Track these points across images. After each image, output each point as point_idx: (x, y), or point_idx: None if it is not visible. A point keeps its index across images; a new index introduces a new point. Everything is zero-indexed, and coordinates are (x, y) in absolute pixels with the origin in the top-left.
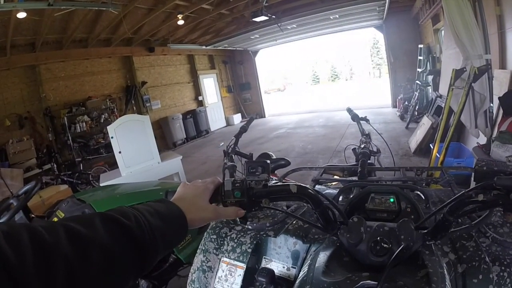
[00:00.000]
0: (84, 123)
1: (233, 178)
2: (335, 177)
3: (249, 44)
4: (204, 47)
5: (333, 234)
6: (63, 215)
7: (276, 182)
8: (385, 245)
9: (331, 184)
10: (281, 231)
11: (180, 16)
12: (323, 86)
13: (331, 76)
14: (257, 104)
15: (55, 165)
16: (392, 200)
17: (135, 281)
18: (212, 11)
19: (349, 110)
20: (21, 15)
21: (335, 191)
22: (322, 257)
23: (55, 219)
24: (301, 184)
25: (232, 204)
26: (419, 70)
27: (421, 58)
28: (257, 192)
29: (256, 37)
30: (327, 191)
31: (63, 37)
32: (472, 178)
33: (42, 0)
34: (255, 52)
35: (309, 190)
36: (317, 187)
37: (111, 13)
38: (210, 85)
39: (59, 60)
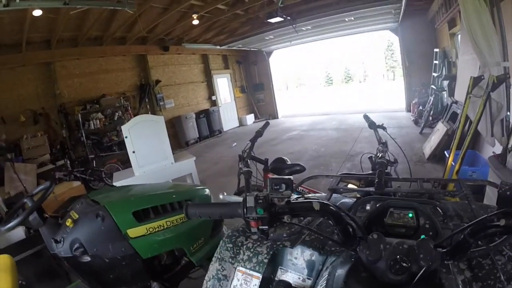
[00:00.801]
0: (97, 121)
1: (255, 193)
2: (352, 186)
3: (263, 44)
4: (218, 47)
5: (352, 250)
6: (77, 216)
7: (298, 197)
8: (404, 264)
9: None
10: (298, 242)
11: (195, 16)
12: (336, 88)
13: (345, 78)
14: (270, 105)
15: (68, 161)
16: (411, 215)
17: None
18: (227, 11)
19: (366, 117)
20: (37, 12)
21: (351, 200)
22: (340, 272)
23: (69, 220)
24: (324, 201)
25: (254, 220)
26: (435, 74)
27: (436, 62)
28: (280, 209)
29: (271, 38)
30: (343, 200)
31: (78, 35)
32: (496, 202)
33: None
34: (269, 53)
35: (331, 207)
36: (334, 195)
37: (126, 12)
38: (223, 85)
39: (74, 57)
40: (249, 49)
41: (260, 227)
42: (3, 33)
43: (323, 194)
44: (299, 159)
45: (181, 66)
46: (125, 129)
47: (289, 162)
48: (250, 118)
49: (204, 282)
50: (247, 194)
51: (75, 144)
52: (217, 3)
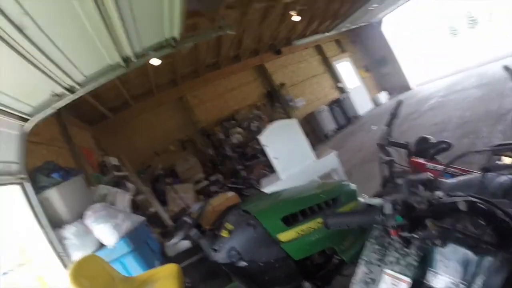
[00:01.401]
0: (238, 134)
1: (392, 199)
2: (509, 160)
3: (370, 16)
4: (327, 33)
5: (510, 252)
6: (232, 227)
7: (441, 197)
8: None
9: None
10: (450, 240)
11: (293, 13)
12: (463, 37)
13: (469, 23)
14: (399, 77)
15: (220, 176)
16: None
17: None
18: None
19: (507, 69)
20: (155, 62)
21: (509, 179)
22: (495, 280)
23: (225, 231)
24: (471, 199)
25: (393, 228)
26: None
27: None
28: (420, 213)
29: (375, 6)
30: (500, 180)
31: (197, 66)
32: None
33: (167, 46)
34: (379, 23)
35: (481, 205)
36: (489, 175)
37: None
38: (346, 69)
39: (200, 86)
40: (358, 25)
41: (400, 233)
42: (134, 87)
43: (478, 173)
44: (444, 130)
45: (298, 64)
46: (263, 138)
47: (432, 140)
48: (383, 96)
49: (351, 284)
50: (384, 201)
51: (223, 159)
52: None
